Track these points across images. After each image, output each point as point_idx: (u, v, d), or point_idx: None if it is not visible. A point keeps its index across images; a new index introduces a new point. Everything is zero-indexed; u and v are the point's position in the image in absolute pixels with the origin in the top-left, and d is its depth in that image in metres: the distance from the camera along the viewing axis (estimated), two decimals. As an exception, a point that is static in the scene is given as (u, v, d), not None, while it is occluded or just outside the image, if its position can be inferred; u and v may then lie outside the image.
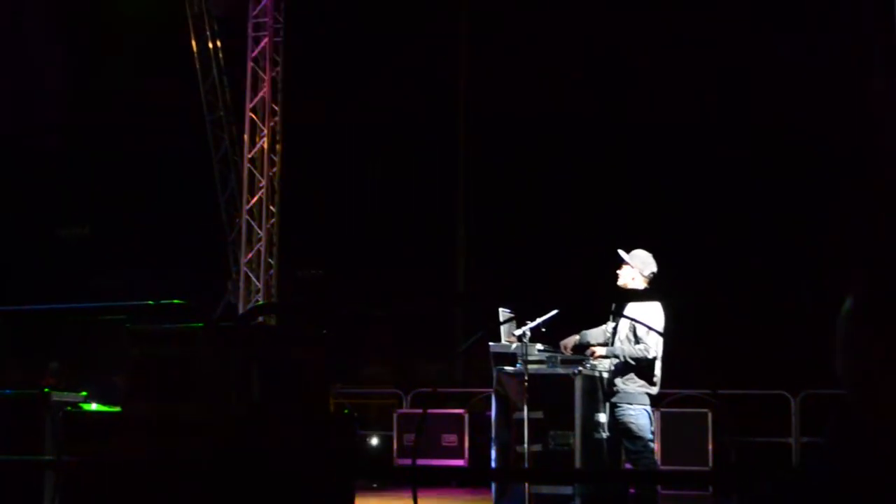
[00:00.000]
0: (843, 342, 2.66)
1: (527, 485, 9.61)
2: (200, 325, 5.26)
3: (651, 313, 9.53)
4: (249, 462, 5.04)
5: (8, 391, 7.25)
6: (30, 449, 6.91)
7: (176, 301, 5.28)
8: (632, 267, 9.75)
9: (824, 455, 2.68)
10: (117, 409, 5.56)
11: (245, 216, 18.10)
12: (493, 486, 10.18)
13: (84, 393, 7.06)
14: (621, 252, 9.82)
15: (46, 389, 7.17)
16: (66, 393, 7.08)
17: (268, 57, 18.06)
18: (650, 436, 9.67)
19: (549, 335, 10.10)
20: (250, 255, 18.05)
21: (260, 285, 17.88)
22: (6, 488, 6.78)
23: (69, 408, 5.97)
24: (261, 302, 17.00)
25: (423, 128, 22.28)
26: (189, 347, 5.02)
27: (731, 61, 20.05)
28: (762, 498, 3.66)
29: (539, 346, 10.03)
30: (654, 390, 9.62)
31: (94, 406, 5.84)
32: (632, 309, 9.54)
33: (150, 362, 5.36)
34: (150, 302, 5.24)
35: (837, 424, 2.62)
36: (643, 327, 9.40)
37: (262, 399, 5.40)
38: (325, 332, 5.89)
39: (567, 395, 9.70)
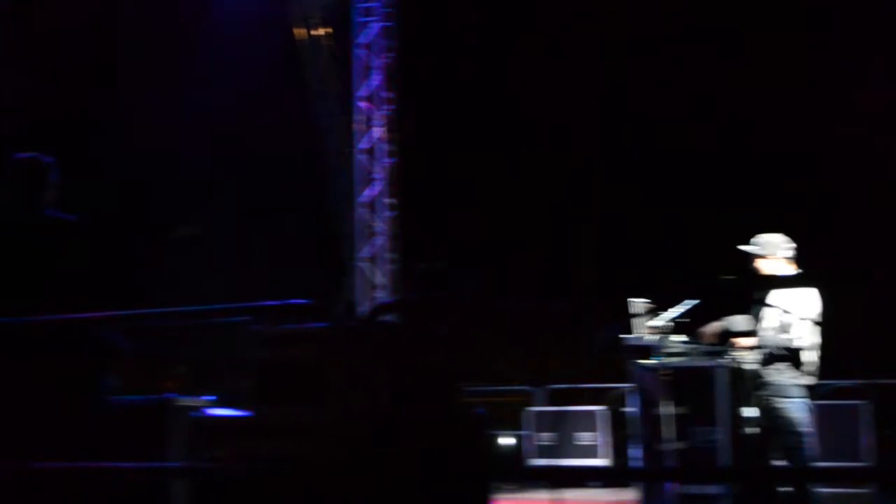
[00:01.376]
0: None
1: (672, 484, 9.59)
2: (326, 325, 5.34)
3: (803, 299, 9.40)
4: (380, 466, 5.12)
5: (131, 396, 7.45)
6: (154, 456, 7.07)
7: (300, 300, 5.36)
8: (765, 256, 9.64)
9: None
10: (244, 413, 5.66)
11: (359, 209, 18.34)
12: (638, 485, 10.16)
13: (210, 397, 7.20)
14: (743, 248, 9.72)
15: (171, 394, 7.33)
16: (191, 397, 7.24)
17: (379, 43, 18.20)
18: (806, 430, 9.52)
19: (689, 325, 10.05)
20: (366, 250, 18.23)
21: (378, 281, 18.05)
22: (130, 498, 6.97)
23: (196, 412, 6.11)
24: (384, 298, 17.17)
25: (549, 116, 22.21)
26: (315, 348, 5.10)
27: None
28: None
29: (678, 337, 9.99)
30: (811, 380, 9.50)
31: (221, 410, 5.98)
32: (781, 295, 9.45)
33: (275, 365, 5.44)
34: (274, 302, 5.34)
35: None
36: (792, 315, 9.31)
37: (391, 401, 5.47)
38: (454, 328, 5.94)
39: (710, 389, 9.66)
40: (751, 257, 9.66)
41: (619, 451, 15.50)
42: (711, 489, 9.55)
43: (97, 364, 6.85)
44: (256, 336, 5.56)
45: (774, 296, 9.53)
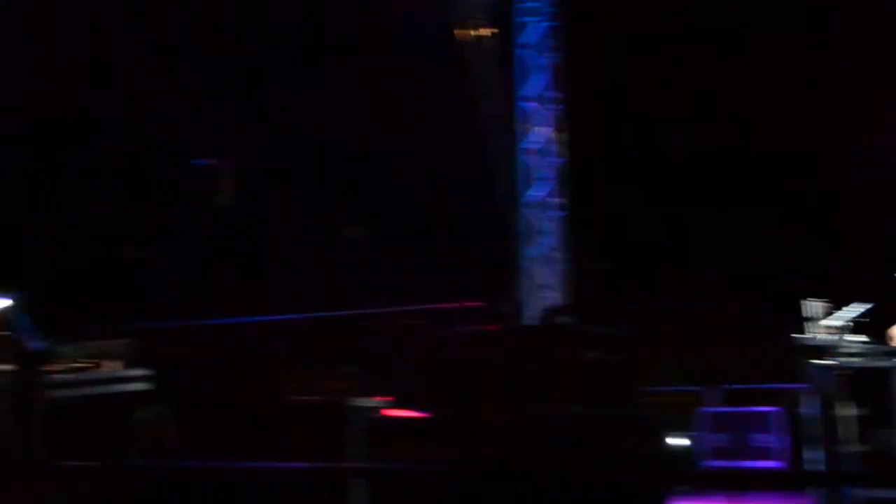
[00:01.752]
0: None
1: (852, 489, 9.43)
2: (500, 327, 5.41)
3: None
4: (556, 466, 5.17)
5: (309, 397, 7.62)
6: (333, 455, 7.23)
7: (473, 303, 5.45)
8: None
9: None
10: (420, 413, 5.76)
11: (525, 209, 18.57)
12: (816, 489, 10.00)
13: (382, 397, 7.33)
14: None
15: (344, 395, 7.49)
16: (367, 398, 7.39)
17: (544, 42, 18.22)
18: None
19: (866, 327, 9.89)
20: (532, 250, 18.24)
21: (547, 281, 18.02)
22: (311, 495, 7.17)
23: (373, 413, 6.24)
24: (551, 299, 17.18)
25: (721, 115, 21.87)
26: (490, 350, 5.17)
27: None
28: None
29: (855, 337, 9.83)
30: None
31: (397, 412, 6.11)
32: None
33: (452, 365, 5.54)
34: (449, 305, 5.44)
35: None
36: None
37: (566, 401, 5.53)
38: (627, 332, 5.97)
39: (890, 390, 9.51)
40: None
41: (795, 454, 15.26)
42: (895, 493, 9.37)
43: (275, 366, 7.04)
44: (434, 337, 5.65)
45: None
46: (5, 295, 7.84)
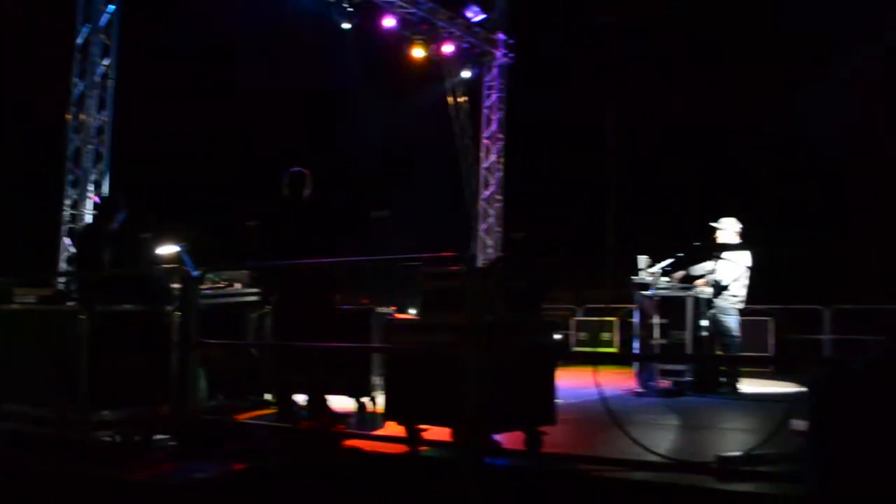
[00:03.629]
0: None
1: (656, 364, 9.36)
2: (465, 267, 5.21)
3: (739, 256, 9.30)
4: (497, 351, 4.99)
5: (348, 307, 7.37)
6: (362, 340, 7.07)
7: (449, 253, 5.26)
8: (724, 229, 9.51)
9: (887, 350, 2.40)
10: (415, 317, 5.59)
11: (482, 202, 18.45)
12: (636, 365, 9.93)
13: (392, 308, 7.18)
14: (713, 224, 9.50)
15: (370, 306, 7.27)
16: (383, 308, 7.21)
17: (496, 105, 18.31)
18: (736, 334, 9.34)
19: (670, 272, 9.80)
20: (483, 226, 18.35)
21: (490, 244, 18.22)
22: (348, 365, 7.00)
23: (387, 317, 6.07)
24: (493, 254, 17.41)
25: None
26: (459, 281, 5.00)
27: None
28: (827, 380, 3.34)
29: (664, 278, 9.75)
30: (741, 305, 9.33)
31: (400, 315, 5.91)
32: (730, 254, 9.39)
33: (436, 289, 5.37)
34: (435, 254, 5.24)
35: None
36: (735, 266, 9.22)
37: (501, 312, 5.35)
38: (537, 272, 5.81)
39: (682, 309, 9.36)
40: (715, 230, 9.54)
41: (626, 345, 15.15)
42: (679, 368, 9.24)
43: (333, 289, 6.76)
44: (424, 273, 5.47)
45: (725, 255, 9.39)
46: (178, 244, 7.59)
